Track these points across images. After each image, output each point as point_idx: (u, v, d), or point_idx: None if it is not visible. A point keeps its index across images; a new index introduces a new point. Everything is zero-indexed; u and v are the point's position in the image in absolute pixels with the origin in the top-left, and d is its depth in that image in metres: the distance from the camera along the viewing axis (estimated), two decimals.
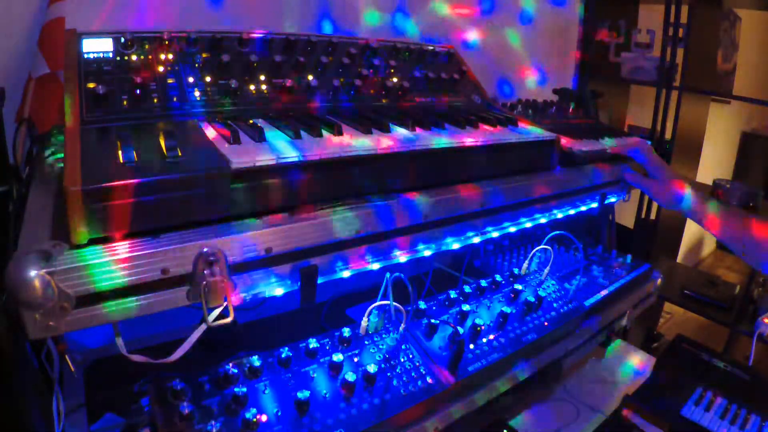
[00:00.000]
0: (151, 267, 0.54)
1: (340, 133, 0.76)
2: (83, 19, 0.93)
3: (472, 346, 0.90)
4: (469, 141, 0.85)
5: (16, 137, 0.91)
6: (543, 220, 1.05)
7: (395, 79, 1.04)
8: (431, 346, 0.87)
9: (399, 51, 1.11)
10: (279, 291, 0.68)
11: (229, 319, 0.60)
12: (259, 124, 0.72)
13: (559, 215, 1.10)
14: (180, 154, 0.60)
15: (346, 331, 0.84)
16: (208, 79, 0.82)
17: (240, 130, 0.71)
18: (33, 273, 0.47)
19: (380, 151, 0.73)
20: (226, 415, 0.67)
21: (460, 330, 0.88)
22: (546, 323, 1.02)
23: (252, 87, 0.86)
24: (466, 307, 0.95)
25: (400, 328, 0.86)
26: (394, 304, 0.83)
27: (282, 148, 0.67)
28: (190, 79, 0.81)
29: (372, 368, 0.77)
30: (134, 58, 0.80)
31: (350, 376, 0.75)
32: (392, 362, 0.82)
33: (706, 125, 2.49)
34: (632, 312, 1.32)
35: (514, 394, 0.97)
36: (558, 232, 1.16)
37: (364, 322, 0.86)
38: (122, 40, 0.80)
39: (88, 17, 1.00)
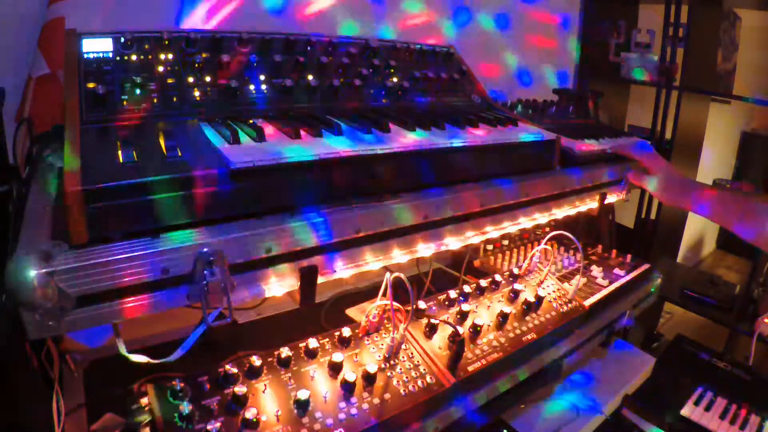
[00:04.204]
0: (151, 267, 0.54)
1: (339, 133, 0.76)
2: (83, 19, 0.93)
3: (472, 346, 0.90)
4: (469, 141, 0.85)
5: (16, 137, 0.91)
6: (543, 220, 1.05)
7: (395, 79, 1.04)
8: (431, 346, 0.87)
9: (399, 51, 1.11)
10: (279, 291, 0.68)
11: (228, 320, 0.60)
12: (259, 124, 0.72)
13: (559, 215, 1.10)
14: (180, 154, 0.60)
15: (346, 331, 0.84)
16: (207, 79, 0.82)
17: (240, 130, 0.71)
18: (33, 273, 0.47)
19: (380, 151, 0.73)
20: (226, 415, 0.67)
21: (460, 330, 0.88)
22: (546, 323, 1.02)
23: (252, 87, 0.86)
24: (466, 307, 0.95)
25: (400, 328, 0.86)
26: (394, 304, 0.83)
27: (282, 148, 0.67)
28: (190, 79, 0.81)
29: (372, 368, 0.77)
30: (134, 58, 0.80)
31: (350, 376, 0.75)
32: (392, 362, 0.82)
33: (706, 125, 2.49)
34: (632, 312, 1.32)
35: (514, 394, 0.97)
36: (558, 231, 1.16)
37: (364, 322, 0.86)
38: (122, 40, 0.80)
39: (88, 17, 0.99)
